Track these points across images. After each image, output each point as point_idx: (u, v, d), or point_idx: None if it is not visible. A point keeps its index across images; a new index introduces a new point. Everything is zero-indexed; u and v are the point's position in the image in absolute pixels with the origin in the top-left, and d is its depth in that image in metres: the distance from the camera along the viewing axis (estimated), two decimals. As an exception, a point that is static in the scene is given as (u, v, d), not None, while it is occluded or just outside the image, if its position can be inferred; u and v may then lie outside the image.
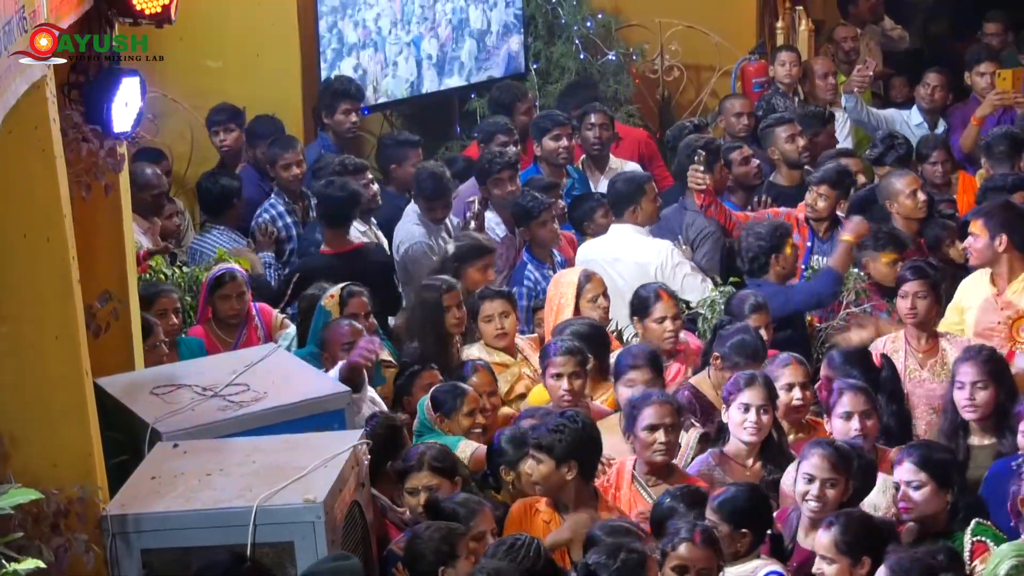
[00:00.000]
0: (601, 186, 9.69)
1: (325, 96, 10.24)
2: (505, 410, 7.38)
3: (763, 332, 7.40)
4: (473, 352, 7.63)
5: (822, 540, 5.54)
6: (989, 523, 5.85)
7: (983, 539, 5.76)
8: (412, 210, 9.16)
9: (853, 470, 5.95)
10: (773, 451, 6.50)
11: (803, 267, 8.57)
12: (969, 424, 6.67)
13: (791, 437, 6.76)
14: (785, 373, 6.81)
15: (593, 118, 10.15)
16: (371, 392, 7.01)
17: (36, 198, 5.27)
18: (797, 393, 6.81)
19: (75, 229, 5.46)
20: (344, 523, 5.50)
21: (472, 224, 9.03)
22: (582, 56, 11.78)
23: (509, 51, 11.69)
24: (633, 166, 10.07)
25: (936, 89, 10.98)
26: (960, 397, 6.67)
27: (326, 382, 6.48)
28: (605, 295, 7.87)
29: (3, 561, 4.70)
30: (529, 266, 8.74)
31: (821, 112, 10.59)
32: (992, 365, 6.68)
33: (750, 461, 6.50)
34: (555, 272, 8.45)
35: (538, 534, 5.89)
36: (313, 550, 5.28)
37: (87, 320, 5.76)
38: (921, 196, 8.72)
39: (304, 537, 5.29)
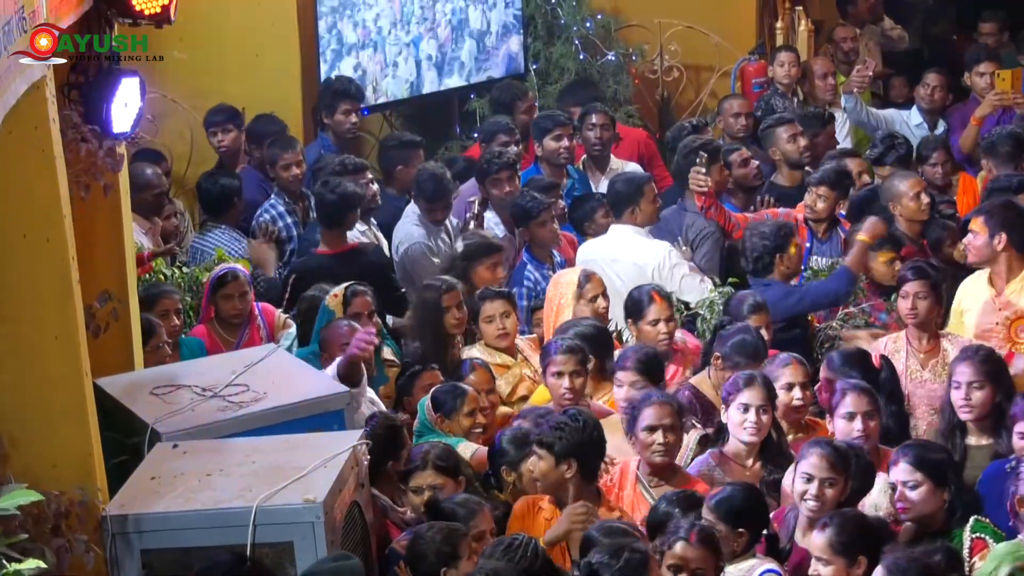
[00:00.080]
0: (602, 186, 9.70)
1: (325, 96, 10.24)
2: (504, 409, 7.38)
3: (764, 332, 7.40)
4: (474, 353, 7.63)
5: (817, 541, 5.54)
6: (988, 520, 5.85)
7: (982, 536, 5.77)
8: (412, 211, 9.17)
9: (852, 470, 5.96)
10: (773, 451, 6.51)
11: (802, 267, 8.57)
12: (967, 424, 6.67)
13: (790, 437, 6.76)
14: (785, 373, 6.81)
15: (594, 118, 10.16)
16: (370, 393, 7.02)
17: (36, 198, 5.26)
18: (797, 393, 6.81)
19: (74, 229, 5.46)
20: (344, 523, 5.50)
21: (472, 224, 9.04)
22: (581, 56, 11.79)
23: (509, 51, 11.69)
24: (634, 167, 10.08)
25: (936, 89, 10.98)
26: (956, 397, 6.67)
27: (326, 382, 6.48)
28: (605, 295, 7.87)
29: (4, 562, 4.70)
30: (529, 266, 8.74)
31: (821, 113, 10.60)
32: (989, 365, 6.68)
33: (750, 461, 6.50)
34: (555, 272, 8.45)
35: (540, 532, 5.93)
36: (313, 550, 5.28)
37: (87, 320, 5.76)
38: (925, 199, 8.73)
39: (304, 537, 5.29)
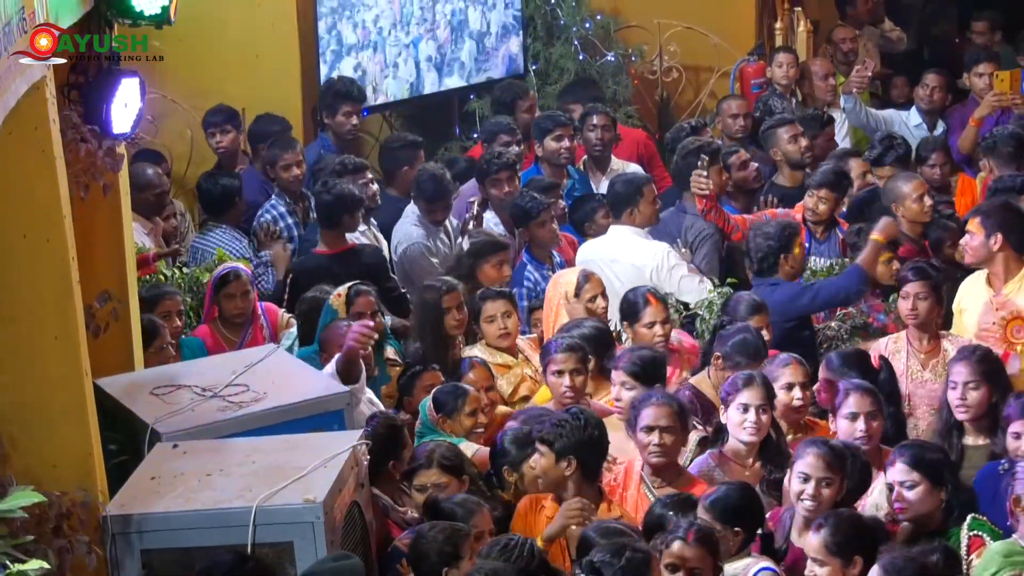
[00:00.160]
0: (603, 187, 9.70)
1: (327, 97, 10.24)
2: (503, 409, 7.39)
3: (764, 333, 7.40)
4: (475, 353, 7.63)
5: (812, 542, 5.53)
6: (985, 518, 5.86)
7: (979, 534, 5.78)
8: (411, 211, 9.17)
9: (848, 469, 5.97)
10: (772, 451, 6.51)
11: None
12: (964, 424, 6.68)
13: (790, 437, 6.76)
14: (785, 373, 6.81)
15: (595, 119, 10.17)
16: (369, 393, 7.02)
17: (36, 199, 5.27)
18: (797, 393, 6.81)
19: (74, 229, 5.46)
20: (343, 523, 5.50)
21: (471, 225, 9.04)
22: (581, 57, 11.80)
23: (508, 52, 11.70)
24: (635, 167, 10.09)
25: (935, 90, 10.99)
26: (952, 397, 6.68)
27: (326, 382, 6.49)
28: (604, 295, 7.88)
29: (7, 562, 4.70)
30: (529, 267, 8.75)
31: (820, 115, 10.61)
32: (985, 365, 6.68)
33: (749, 461, 6.51)
34: (555, 273, 8.46)
35: (542, 529, 5.95)
36: (313, 550, 5.29)
37: (87, 320, 5.77)
38: (928, 201, 8.73)
39: (304, 537, 5.30)
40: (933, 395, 7.28)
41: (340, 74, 10.48)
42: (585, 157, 10.27)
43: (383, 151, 10.08)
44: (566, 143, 9.86)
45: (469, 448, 6.75)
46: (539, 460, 6.17)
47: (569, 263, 8.79)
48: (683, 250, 8.74)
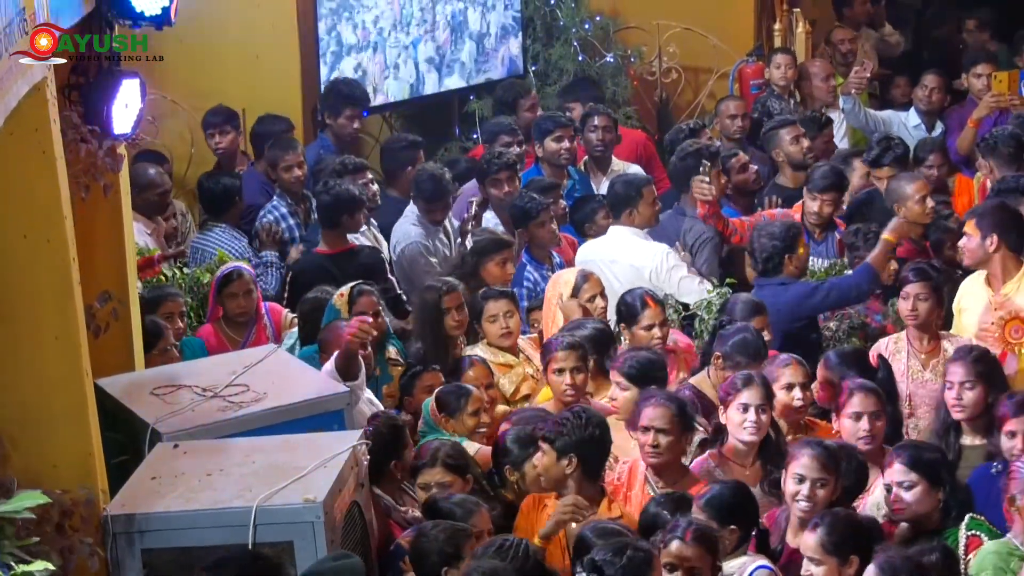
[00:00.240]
0: (603, 188, 9.70)
1: (330, 98, 10.24)
2: (503, 408, 7.40)
3: (764, 333, 7.41)
4: (476, 352, 7.64)
5: (808, 541, 5.54)
6: (983, 518, 5.87)
7: (977, 533, 5.79)
8: (411, 210, 9.17)
9: (843, 470, 5.97)
10: (772, 451, 6.52)
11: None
12: (961, 424, 6.69)
13: (789, 437, 6.77)
14: (785, 373, 6.82)
15: (596, 120, 10.18)
16: (368, 393, 7.03)
17: (36, 199, 5.27)
18: (797, 393, 6.81)
19: (74, 229, 5.47)
20: (343, 523, 5.51)
21: (470, 225, 9.05)
22: (580, 58, 11.80)
23: (508, 53, 11.71)
24: (636, 169, 10.09)
25: (934, 91, 11.00)
26: (949, 397, 6.69)
27: (326, 383, 6.49)
28: (602, 295, 7.88)
29: (12, 563, 4.71)
30: (528, 267, 8.76)
31: (818, 117, 10.61)
32: (982, 365, 6.69)
33: (749, 461, 6.52)
34: (554, 273, 8.46)
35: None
36: (313, 550, 5.29)
37: (87, 320, 5.77)
38: (930, 202, 8.73)
39: (304, 537, 5.30)
40: (934, 395, 7.26)
41: (343, 75, 10.48)
42: (586, 158, 10.28)
43: (384, 152, 10.08)
44: (566, 144, 9.87)
45: (471, 447, 6.76)
46: (540, 458, 6.19)
47: (569, 263, 8.80)
48: (683, 253, 8.74)
